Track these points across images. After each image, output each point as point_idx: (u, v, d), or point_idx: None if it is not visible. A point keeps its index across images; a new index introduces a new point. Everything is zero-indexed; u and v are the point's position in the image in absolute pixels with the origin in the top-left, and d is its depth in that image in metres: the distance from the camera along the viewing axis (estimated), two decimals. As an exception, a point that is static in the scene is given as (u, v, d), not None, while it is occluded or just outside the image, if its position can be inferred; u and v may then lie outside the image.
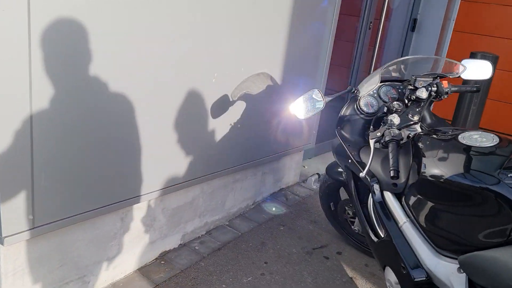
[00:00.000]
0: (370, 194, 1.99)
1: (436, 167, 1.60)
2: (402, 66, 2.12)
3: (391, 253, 1.76)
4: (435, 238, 1.62)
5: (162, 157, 2.12)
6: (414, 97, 1.92)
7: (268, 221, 2.89)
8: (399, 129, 1.81)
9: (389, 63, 2.07)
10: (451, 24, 4.74)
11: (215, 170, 2.49)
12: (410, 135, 1.84)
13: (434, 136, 1.74)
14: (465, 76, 2.03)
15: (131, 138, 1.94)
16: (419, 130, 1.91)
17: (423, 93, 1.90)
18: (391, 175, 1.68)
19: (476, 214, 1.47)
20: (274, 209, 3.04)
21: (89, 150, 1.79)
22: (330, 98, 2.02)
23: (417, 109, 1.95)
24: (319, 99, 1.99)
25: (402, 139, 1.77)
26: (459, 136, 1.63)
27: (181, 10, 1.96)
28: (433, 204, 1.61)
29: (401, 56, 4.62)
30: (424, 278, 1.63)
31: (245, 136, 2.61)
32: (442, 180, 1.56)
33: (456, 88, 2.00)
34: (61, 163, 1.71)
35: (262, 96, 2.61)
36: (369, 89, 2.02)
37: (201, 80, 2.18)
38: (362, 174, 1.82)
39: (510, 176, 1.42)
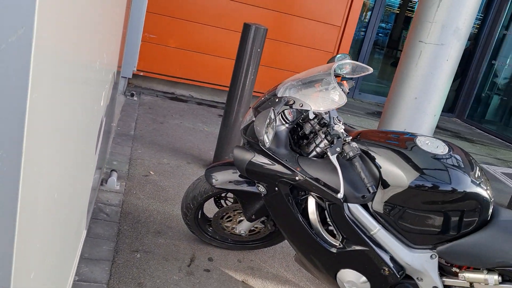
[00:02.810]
0: (313, 207, 1.98)
1: (402, 173, 1.77)
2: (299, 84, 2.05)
3: (364, 258, 1.88)
4: (409, 236, 1.84)
5: None
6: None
7: (118, 254, 2.30)
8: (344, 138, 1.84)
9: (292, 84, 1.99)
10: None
11: None
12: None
13: (385, 143, 1.89)
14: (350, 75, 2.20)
15: None
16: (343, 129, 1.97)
17: (343, 100, 1.97)
18: (371, 191, 1.75)
19: (448, 210, 1.77)
20: (105, 232, 2.42)
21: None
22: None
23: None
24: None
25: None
26: (417, 141, 1.85)
27: None
28: (405, 207, 1.80)
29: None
30: (405, 273, 1.87)
31: None
32: (412, 185, 1.76)
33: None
34: None
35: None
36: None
37: None
38: (340, 195, 1.78)
39: (473, 175, 1.79)
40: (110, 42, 1.86)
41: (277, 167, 1.95)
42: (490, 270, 1.78)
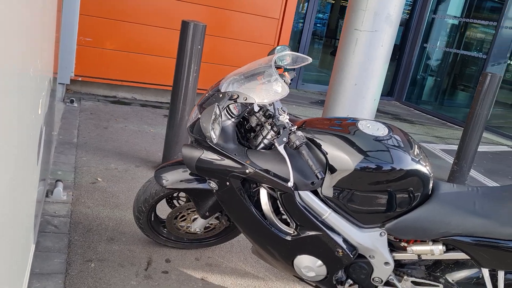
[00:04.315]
0: (265, 198, 2.01)
1: (347, 157, 1.84)
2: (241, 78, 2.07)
3: (318, 243, 1.93)
4: (358, 217, 1.91)
5: None
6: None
7: (71, 265, 2.23)
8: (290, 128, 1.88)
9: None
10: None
11: None
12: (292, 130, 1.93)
13: (329, 129, 1.94)
14: (290, 66, 2.24)
15: None
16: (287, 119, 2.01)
17: (285, 91, 2.00)
18: (320, 177, 1.81)
19: (392, 189, 1.86)
20: (55, 245, 2.33)
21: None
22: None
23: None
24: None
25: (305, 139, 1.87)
26: (359, 125, 1.92)
27: None
28: (352, 190, 1.87)
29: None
30: (358, 253, 1.94)
31: None
32: (358, 168, 1.83)
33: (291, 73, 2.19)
34: None
35: None
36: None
37: None
38: (290, 184, 1.82)
39: (413, 153, 1.88)
40: (42, 47, 1.79)
41: (227, 162, 1.96)
42: (435, 241, 1.89)
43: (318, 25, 9.91)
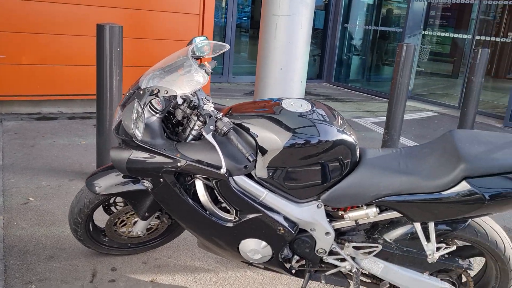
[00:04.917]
0: (202, 189, 2.01)
1: (275, 136, 1.88)
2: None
3: (259, 224, 1.96)
4: (294, 193, 1.96)
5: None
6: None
7: (9, 290, 2.12)
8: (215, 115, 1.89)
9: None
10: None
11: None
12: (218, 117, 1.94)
13: (255, 112, 1.97)
14: (209, 56, 2.24)
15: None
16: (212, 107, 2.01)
17: (204, 79, 2.01)
18: (251, 160, 1.83)
19: (323, 161, 1.92)
20: (-11, 274, 2.21)
21: None
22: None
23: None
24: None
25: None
26: (283, 104, 1.96)
27: None
28: (285, 167, 1.91)
29: None
30: (299, 228, 1.99)
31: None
32: (287, 146, 1.88)
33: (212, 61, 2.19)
34: None
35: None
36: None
37: None
38: (223, 171, 1.83)
39: (337, 124, 1.95)
40: None
41: (158, 159, 1.94)
42: (368, 205, 1.97)
43: (243, 18, 9.95)
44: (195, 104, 1.99)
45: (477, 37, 7.09)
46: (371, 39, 8.92)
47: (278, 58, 3.68)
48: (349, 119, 5.99)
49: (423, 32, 7.92)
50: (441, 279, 2.06)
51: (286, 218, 1.97)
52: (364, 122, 5.95)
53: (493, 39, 7.67)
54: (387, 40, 8.87)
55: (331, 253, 2.08)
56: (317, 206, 1.98)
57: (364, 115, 6.40)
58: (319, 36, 8.88)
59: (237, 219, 1.99)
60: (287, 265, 2.12)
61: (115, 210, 2.36)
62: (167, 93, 1.87)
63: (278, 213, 1.96)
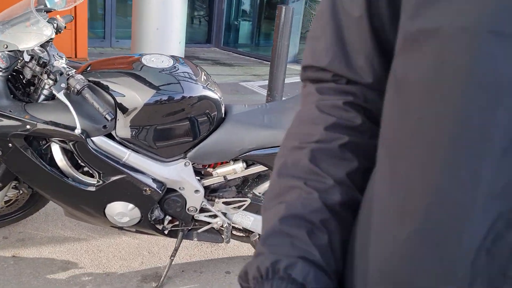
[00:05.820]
0: (59, 153, 1.87)
1: (135, 94, 1.80)
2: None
3: (124, 186, 1.89)
4: (159, 152, 1.91)
5: None
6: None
7: None
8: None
9: None
10: None
11: None
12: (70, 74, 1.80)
13: (113, 69, 1.86)
14: (62, 8, 2.05)
15: None
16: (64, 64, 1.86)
17: (50, 31, 1.84)
18: (109, 118, 1.74)
19: (187, 117, 1.88)
20: None
21: None
22: None
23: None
24: None
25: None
26: (143, 60, 1.87)
27: None
28: (148, 126, 1.85)
29: None
30: (166, 187, 1.95)
31: None
32: (149, 103, 1.81)
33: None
34: None
35: None
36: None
37: None
38: (78, 131, 1.71)
39: (200, 80, 1.92)
40: None
41: (4, 122, 1.75)
42: (235, 160, 1.99)
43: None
44: (45, 61, 1.82)
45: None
46: (258, 3, 8.98)
47: (154, 18, 3.53)
48: (237, 83, 6.03)
49: (306, -4, 8.16)
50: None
51: (152, 178, 1.92)
52: (251, 86, 6.03)
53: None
54: (273, 5, 9.00)
55: (202, 210, 2.08)
56: (185, 164, 1.95)
57: (251, 79, 6.48)
58: (205, 0, 8.73)
59: (100, 182, 1.90)
60: (159, 227, 2.09)
61: (-37, 183, 2.12)
62: (7, 47, 1.68)
63: (143, 173, 1.90)
